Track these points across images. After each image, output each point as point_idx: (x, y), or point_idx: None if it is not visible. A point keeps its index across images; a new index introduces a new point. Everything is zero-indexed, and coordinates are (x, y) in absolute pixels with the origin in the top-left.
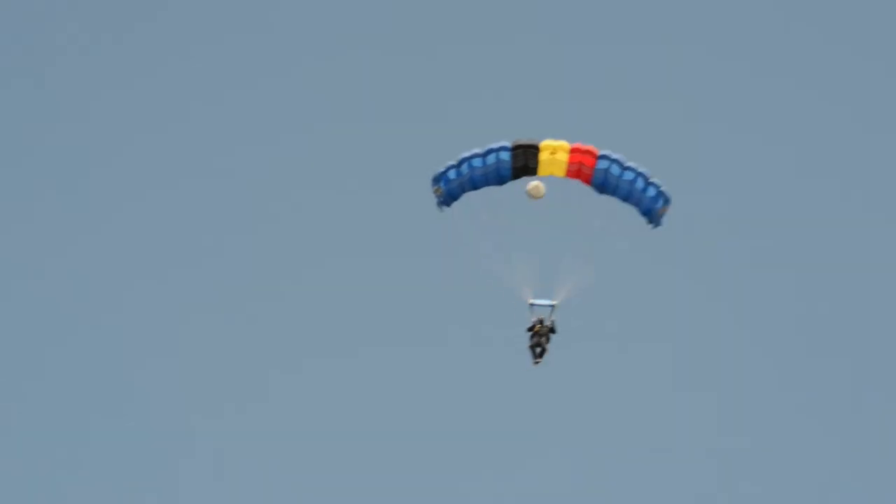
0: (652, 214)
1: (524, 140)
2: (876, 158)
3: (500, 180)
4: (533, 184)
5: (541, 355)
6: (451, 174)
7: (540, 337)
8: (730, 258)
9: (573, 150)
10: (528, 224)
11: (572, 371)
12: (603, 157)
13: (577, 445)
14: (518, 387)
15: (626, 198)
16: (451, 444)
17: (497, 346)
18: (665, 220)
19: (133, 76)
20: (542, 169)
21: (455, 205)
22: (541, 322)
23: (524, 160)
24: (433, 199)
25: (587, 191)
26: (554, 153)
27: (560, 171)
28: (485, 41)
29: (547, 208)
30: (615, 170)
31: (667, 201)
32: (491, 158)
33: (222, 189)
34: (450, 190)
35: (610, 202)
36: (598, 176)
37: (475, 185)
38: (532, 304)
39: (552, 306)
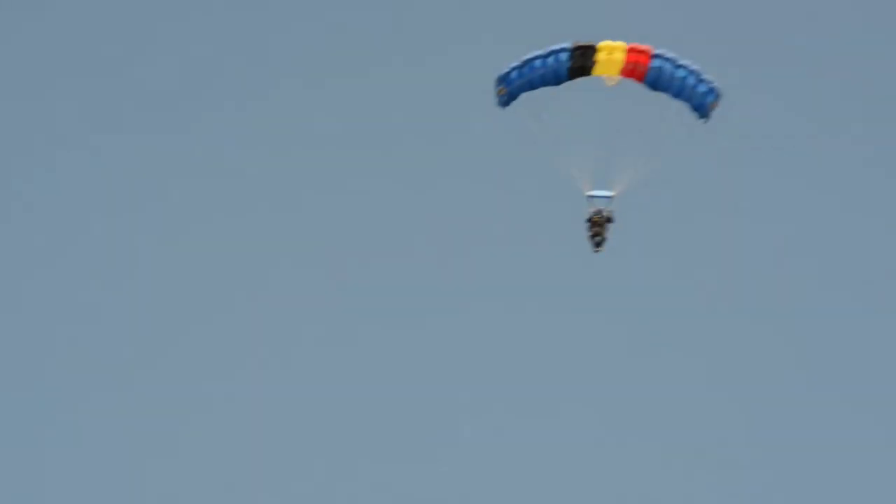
0: (703, 109)
1: (583, 41)
2: None
3: (558, 80)
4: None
5: (600, 244)
6: (514, 74)
7: (599, 227)
8: None
9: (629, 50)
10: (585, 120)
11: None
12: (657, 55)
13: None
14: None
15: (678, 94)
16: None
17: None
18: (714, 114)
19: None
20: (599, 68)
21: (516, 104)
22: (599, 213)
23: (582, 61)
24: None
25: (641, 89)
26: (611, 53)
27: (616, 69)
28: None
29: (603, 106)
30: (668, 67)
31: (718, 96)
32: (551, 59)
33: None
34: (511, 90)
35: (662, 99)
36: (651, 73)
37: (533, 85)
38: (590, 196)
39: (610, 197)
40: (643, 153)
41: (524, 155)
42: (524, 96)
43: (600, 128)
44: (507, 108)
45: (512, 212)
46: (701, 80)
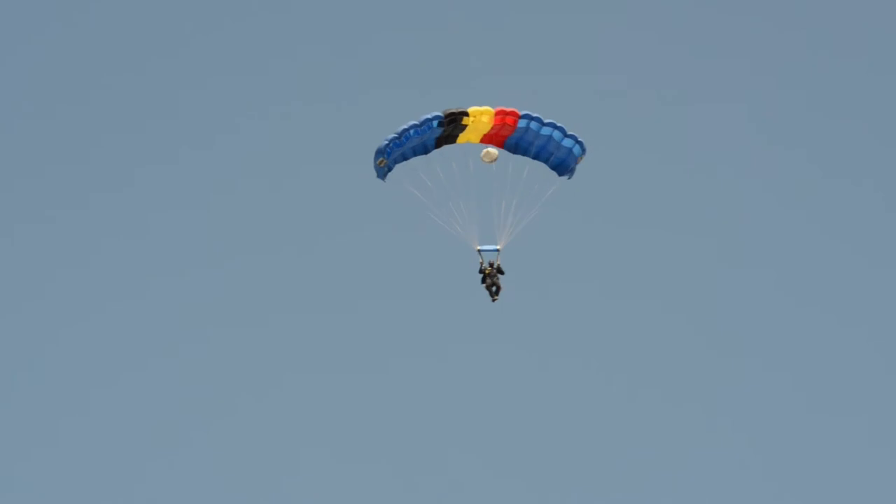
0: (568, 163)
1: (453, 108)
2: None
3: (426, 149)
4: (486, 150)
5: (497, 293)
6: (393, 145)
7: (491, 278)
8: None
9: (497, 113)
10: (462, 183)
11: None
12: (525, 115)
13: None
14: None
15: (543, 150)
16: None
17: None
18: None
19: None
20: (469, 131)
21: (395, 174)
22: (490, 265)
23: (452, 127)
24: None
25: (505, 154)
26: (480, 116)
27: (484, 130)
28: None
29: (474, 171)
30: (535, 125)
31: (583, 150)
32: (425, 127)
33: None
34: (390, 162)
35: (526, 161)
36: (517, 133)
37: (412, 153)
38: (480, 250)
39: (497, 250)
40: (516, 209)
41: (410, 215)
42: (402, 166)
43: (473, 188)
44: (386, 180)
45: (409, 268)
46: (567, 136)
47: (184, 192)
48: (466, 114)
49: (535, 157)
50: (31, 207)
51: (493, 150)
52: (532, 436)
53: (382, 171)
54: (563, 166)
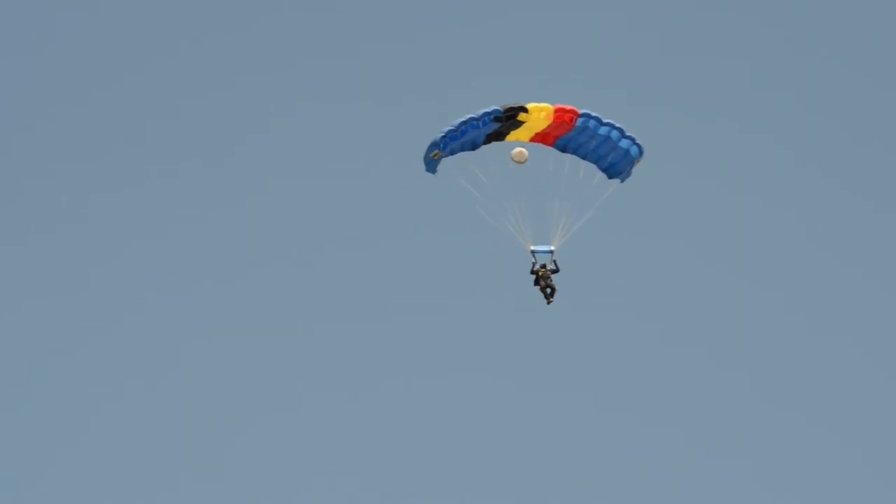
0: (621, 168)
1: (512, 102)
2: None
3: (474, 146)
4: (517, 149)
5: (552, 295)
6: (450, 138)
7: (545, 279)
8: None
9: (556, 110)
10: (516, 182)
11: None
12: (584, 114)
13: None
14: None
15: (598, 150)
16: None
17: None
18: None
19: None
20: (520, 131)
21: (446, 168)
22: (543, 266)
23: (508, 125)
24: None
25: (555, 154)
26: (538, 113)
27: (538, 129)
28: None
29: (527, 169)
30: (593, 124)
31: (641, 152)
32: (481, 122)
33: None
34: (445, 154)
35: (578, 162)
36: (575, 132)
37: (464, 147)
38: (533, 251)
39: (551, 251)
40: (571, 209)
41: (462, 215)
42: (449, 160)
43: (527, 186)
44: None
45: (462, 267)
46: (625, 137)
47: (214, 193)
48: (525, 109)
49: (587, 158)
50: (35, 209)
51: (524, 150)
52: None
53: (434, 165)
54: (617, 169)
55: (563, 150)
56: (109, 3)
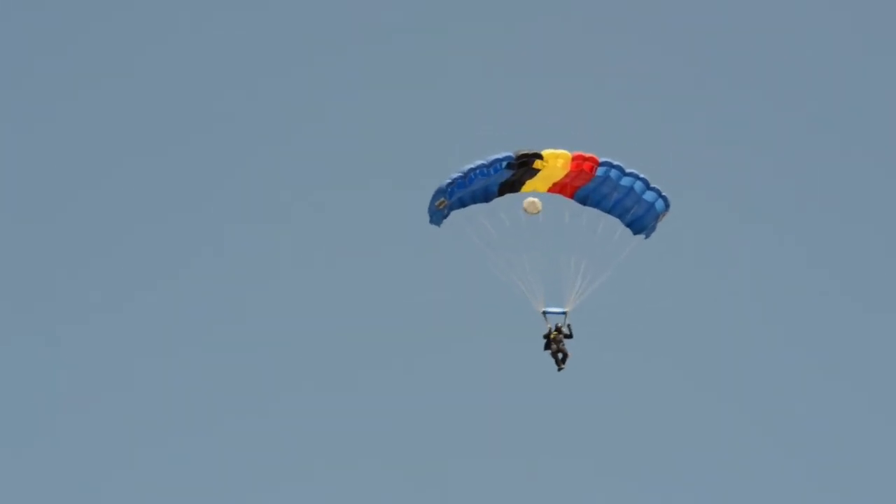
0: (648, 220)
1: (526, 149)
2: None
3: (486, 196)
4: (529, 200)
5: (563, 360)
6: (458, 185)
7: (557, 343)
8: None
9: (574, 158)
10: (529, 236)
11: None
12: (604, 162)
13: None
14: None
15: (619, 205)
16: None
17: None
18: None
19: None
20: (536, 181)
21: (455, 220)
22: (557, 329)
23: (521, 172)
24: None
25: (574, 206)
26: (555, 161)
27: (560, 175)
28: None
29: (541, 222)
30: (615, 174)
31: (667, 206)
32: (492, 170)
33: None
34: (453, 203)
35: (598, 216)
36: (594, 182)
37: (475, 198)
38: (545, 312)
39: (564, 313)
40: (588, 266)
41: (472, 270)
42: (457, 214)
43: (540, 240)
44: (445, 225)
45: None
46: (650, 188)
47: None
48: (540, 156)
49: (610, 212)
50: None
51: (537, 200)
52: None
53: (439, 216)
54: (641, 223)
55: (584, 202)
56: None
